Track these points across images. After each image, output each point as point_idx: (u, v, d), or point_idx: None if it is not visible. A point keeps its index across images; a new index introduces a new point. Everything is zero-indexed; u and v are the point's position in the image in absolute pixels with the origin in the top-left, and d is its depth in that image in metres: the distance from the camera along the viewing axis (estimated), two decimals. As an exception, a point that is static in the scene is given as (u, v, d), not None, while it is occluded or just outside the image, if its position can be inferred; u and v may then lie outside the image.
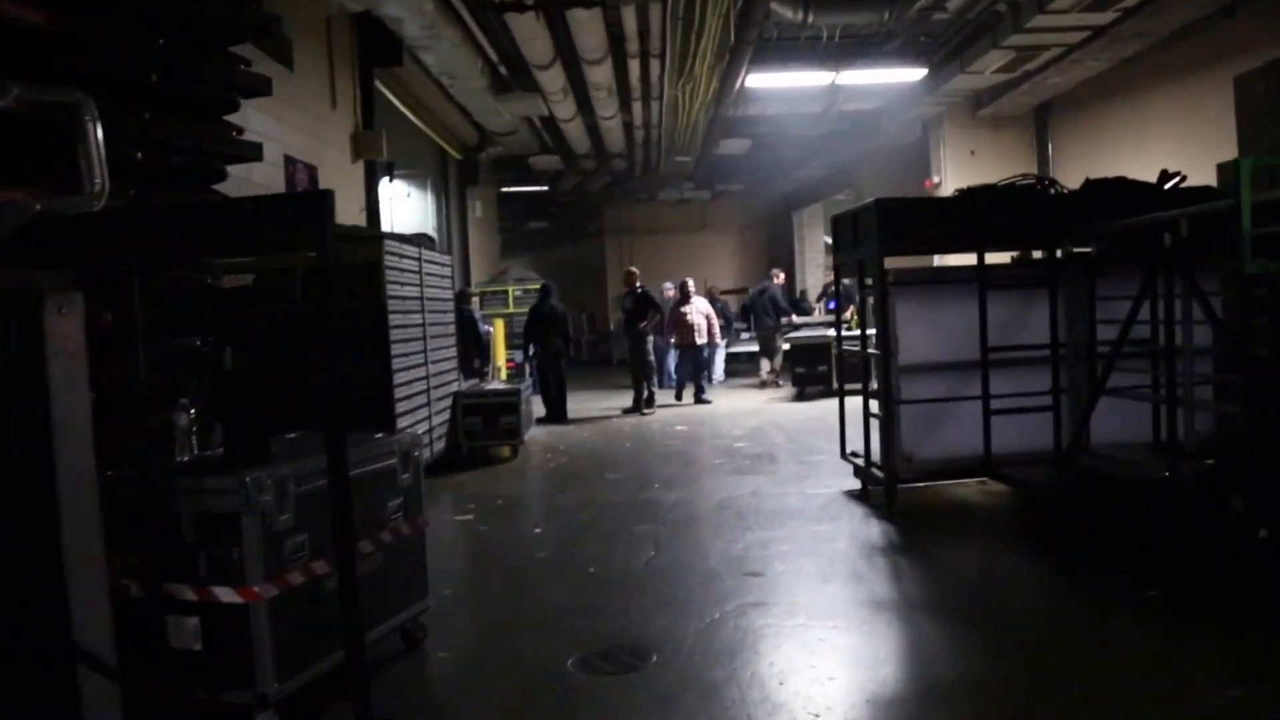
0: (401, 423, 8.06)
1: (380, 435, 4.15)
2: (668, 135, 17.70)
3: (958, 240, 6.96)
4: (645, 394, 13.61)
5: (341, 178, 10.77)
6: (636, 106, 15.76)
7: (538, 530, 6.89)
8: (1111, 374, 6.12)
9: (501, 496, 8.15)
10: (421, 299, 8.82)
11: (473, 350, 12.64)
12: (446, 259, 10.09)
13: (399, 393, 7.99)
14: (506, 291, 18.66)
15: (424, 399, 8.76)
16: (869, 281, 7.19)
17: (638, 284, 14.22)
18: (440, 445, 9.35)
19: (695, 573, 5.43)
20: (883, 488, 6.77)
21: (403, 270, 8.22)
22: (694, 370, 14.84)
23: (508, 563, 6.05)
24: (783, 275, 15.98)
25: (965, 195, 6.95)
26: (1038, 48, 11.58)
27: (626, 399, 13.79)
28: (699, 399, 14.41)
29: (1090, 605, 4.73)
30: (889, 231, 6.67)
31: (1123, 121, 12.62)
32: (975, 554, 5.78)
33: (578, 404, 13.64)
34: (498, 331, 17.21)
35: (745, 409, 13.20)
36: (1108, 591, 4.85)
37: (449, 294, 10.08)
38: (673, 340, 14.98)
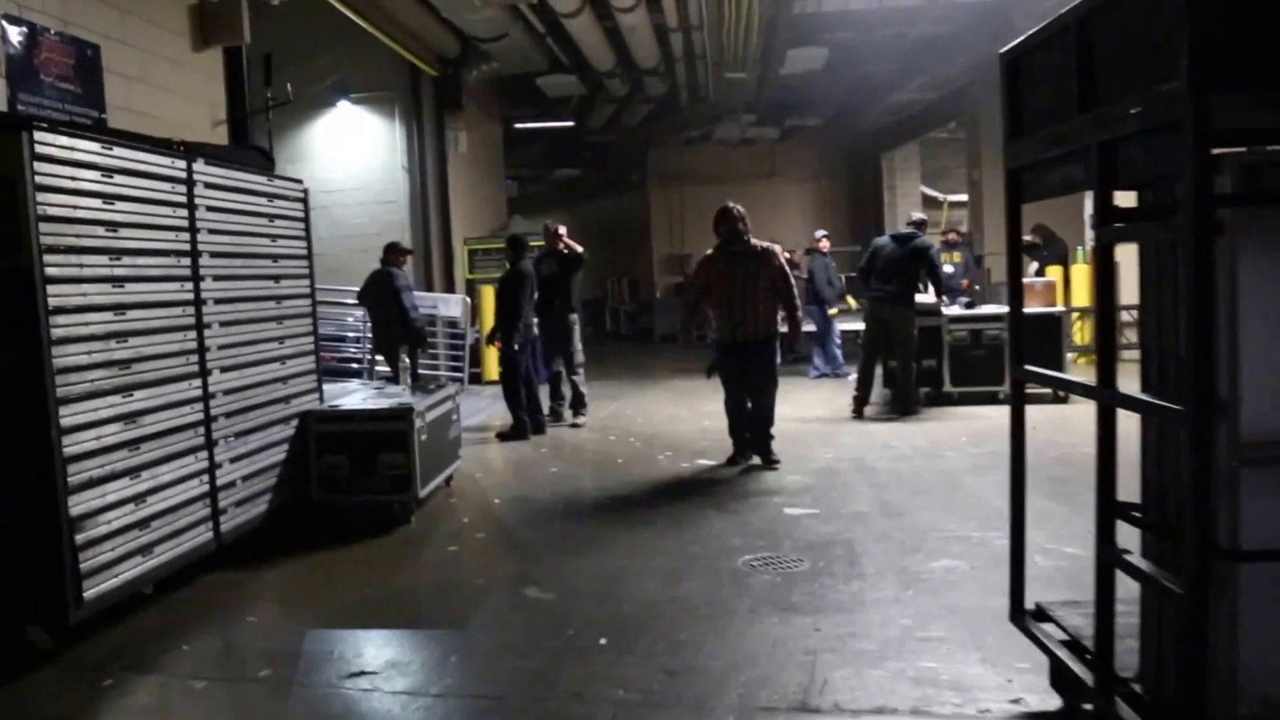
0: (124, 488, 3.95)
1: None
2: (714, 42, 13.20)
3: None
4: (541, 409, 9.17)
5: (166, 70, 6.72)
6: (665, -6, 11.34)
7: None
8: None
9: (282, 652, 3.97)
10: (193, 253, 4.67)
11: (396, 332, 8.46)
12: (295, 188, 5.90)
13: (114, 433, 3.85)
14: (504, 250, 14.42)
15: (195, 434, 4.62)
16: (1133, 204, 2.78)
17: (561, 243, 9.42)
18: (258, 510, 5.23)
19: None
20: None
21: (119, 199, 4.03)
22: (755, 394, 7.28)
23: None
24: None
25: None
26: None
27: (667, 391, 9.22)
28: (767, 461, 7.23)
29: None
30: (1230, 38, 2.22)
31: None
32: None
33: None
34: (486, 302, 13.13)
35: (812, 431, 8.49)
36: None
37: (302, 246, 5.92)
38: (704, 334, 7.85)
